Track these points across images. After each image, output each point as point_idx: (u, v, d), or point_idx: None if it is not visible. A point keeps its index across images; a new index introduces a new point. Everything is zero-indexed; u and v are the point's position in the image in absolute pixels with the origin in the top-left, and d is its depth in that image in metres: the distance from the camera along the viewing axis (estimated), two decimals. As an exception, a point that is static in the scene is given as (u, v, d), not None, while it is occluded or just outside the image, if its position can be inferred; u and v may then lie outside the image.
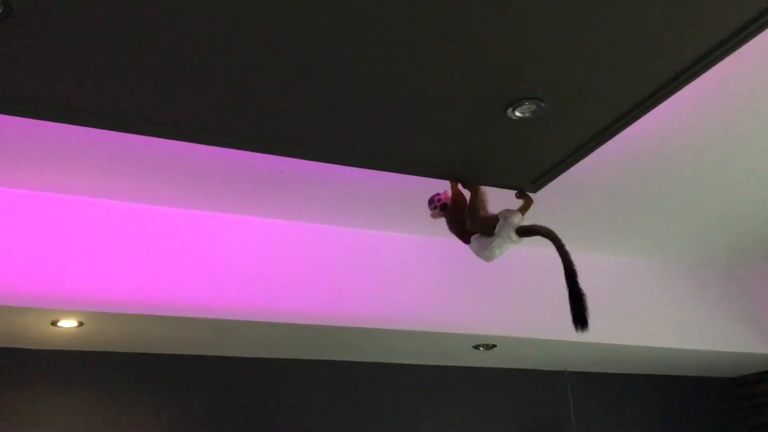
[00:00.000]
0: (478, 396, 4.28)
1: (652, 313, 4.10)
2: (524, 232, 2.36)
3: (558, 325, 3.74)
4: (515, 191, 2.62)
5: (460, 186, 2.56)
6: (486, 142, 2.37)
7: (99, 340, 3.35)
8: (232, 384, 3.78)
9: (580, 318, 2.20)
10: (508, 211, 2.40)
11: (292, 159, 2.50)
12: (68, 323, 3.08)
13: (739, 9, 1.76)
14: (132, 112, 2.05)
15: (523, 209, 2.48)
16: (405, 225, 3.57)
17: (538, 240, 2.34)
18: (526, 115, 2.19)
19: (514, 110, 2.17)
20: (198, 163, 2.81)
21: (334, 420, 3.90)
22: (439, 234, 2.97)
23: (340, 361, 4.05)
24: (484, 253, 2.44)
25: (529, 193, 2.61)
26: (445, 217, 2.58)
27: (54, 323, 3.07)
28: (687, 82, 2.05)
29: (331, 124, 2.21)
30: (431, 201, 2.57)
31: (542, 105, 2.14)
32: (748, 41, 1.88)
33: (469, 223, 2.47)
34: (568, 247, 2.27)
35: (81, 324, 3.10)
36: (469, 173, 2.59)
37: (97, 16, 1.66)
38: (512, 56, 1.92)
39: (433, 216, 2.60)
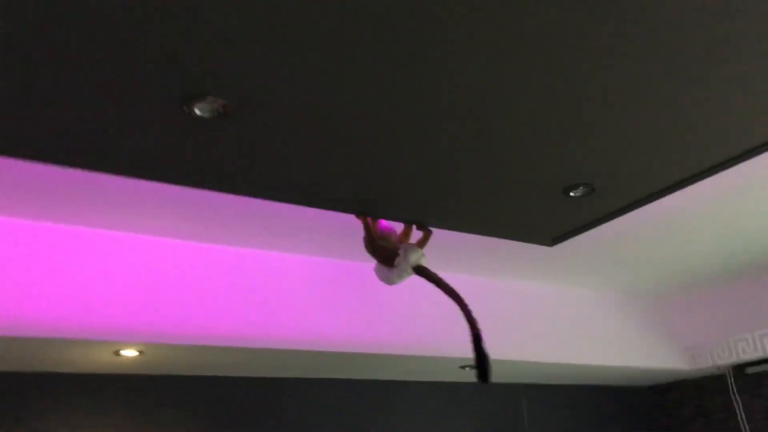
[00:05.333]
0: (457, 407, 4.91)
1: (592, 335, 4.88)
2: (420, 271, 2.39)
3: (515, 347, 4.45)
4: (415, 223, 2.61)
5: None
6: (538, 211, 2.90)
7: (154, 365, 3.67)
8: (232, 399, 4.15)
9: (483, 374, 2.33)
10: (409, 245, 2.44)
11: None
12: (129, 352, 3.35)
13: (738, 140, 2.38)
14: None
15: (423, 242, 2.54)
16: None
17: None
18: (578, 195, 2.76)
19: (569, 192, 2.73)
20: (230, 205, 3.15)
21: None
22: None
23: (351, 380, 4.57)
24: (387, 280, 2.48)
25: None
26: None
27: (116, 352, 3.33)
28: (703, 178, 2.69)
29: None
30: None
31: (593, 188, 2.72)
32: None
33: (369, 251, 2.47)
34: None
35: (141, 353, 3.38)
36: (497, 231, 3.09)
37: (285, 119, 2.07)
38: (573, 151, 2.46)
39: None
